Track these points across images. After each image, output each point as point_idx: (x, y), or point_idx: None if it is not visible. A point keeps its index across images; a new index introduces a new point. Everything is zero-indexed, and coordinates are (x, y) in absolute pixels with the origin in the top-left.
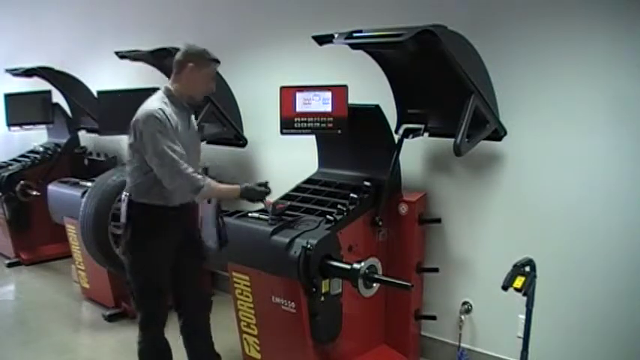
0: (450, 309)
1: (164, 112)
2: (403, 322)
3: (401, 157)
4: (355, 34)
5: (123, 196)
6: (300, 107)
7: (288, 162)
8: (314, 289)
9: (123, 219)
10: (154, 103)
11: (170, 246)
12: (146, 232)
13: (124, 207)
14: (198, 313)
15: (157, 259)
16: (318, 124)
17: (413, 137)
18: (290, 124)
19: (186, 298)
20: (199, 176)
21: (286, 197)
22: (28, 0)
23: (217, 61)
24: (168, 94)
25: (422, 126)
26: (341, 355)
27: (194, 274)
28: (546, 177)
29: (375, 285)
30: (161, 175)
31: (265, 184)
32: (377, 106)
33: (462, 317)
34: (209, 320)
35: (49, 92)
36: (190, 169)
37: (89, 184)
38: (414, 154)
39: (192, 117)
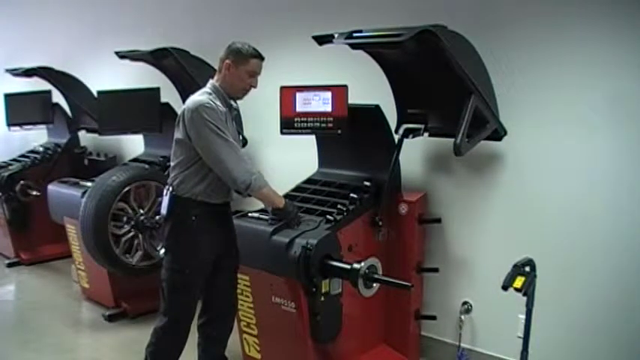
0: (450, 309)
1: (214, 103)
2: (403, 322)
3: (401, 157)
4: (355, 34)
5: (165, 190)
6: (300, 107)
7: (288, 162)
8: (314, 289)
9: (164, 212)
10: (203, 97)
11: (211, 247)
12: (187, 228)
13: (165, 200)
14: (225, 322)
15: (197, 257)
16: (318, 124)
17: (413, 137)
18: (290, 124)
19: (217, 304)
20: (253, 168)
21: (286, 197)
22: (29, 0)
23: (258, 57)
24: (214, 90)
25: (422, 126)
26: (341, 355)
27: (229, 278)
28: (546, 177)
29: (375, 285)
30: (215, 158)
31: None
32: (377, 106)
33: (462, 317)
34: (232, 329)
35: (49, 92)
36: (245, 156)
37: (89, 184)
38: (414, 154)
39: (235, 115)
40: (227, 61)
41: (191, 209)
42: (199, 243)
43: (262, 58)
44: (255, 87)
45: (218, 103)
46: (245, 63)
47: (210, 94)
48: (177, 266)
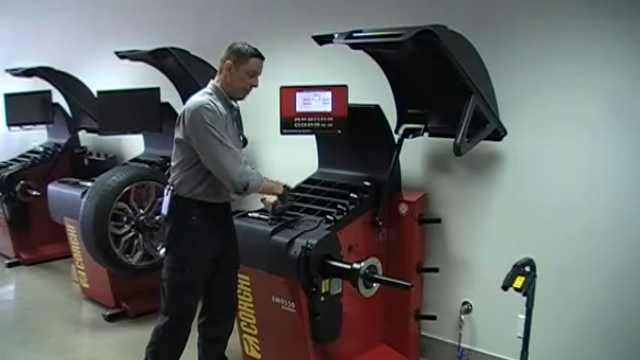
0: (450, 309)
1: (214, 105)
2: (403, 322)
3: (401, 157)
4: (355, 34)
5: (165, 189)
6: (300, 107)
7: (288, 162)
8: (314, 289)
9: (164, 212)
10: (203, 97)
11: (211, 246)
12: (188, 228)
13: (166, 200)
14: (225, 322)
15: (197, 257)
16: (318, 124)
17: (413, 137)
18: (290, 124)
19: (217, 303)
20: (247, 169)
21: None
22: (29, 0)
23: (258, 57)
24: (215, 91)
25: (422, 126)
26: (341, 355)
27: (230, 278)
28: (546, 177)
29: (375, 285)
30: (213, 161)
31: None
32: (377, 106)
33: (462, 317)
34: (232, 330)
35: (49, 92)
36: (240, 160)
37: (89, 184)
38: (414, 154)
39: (236, 116)
40: (228, 61)
41: (191, 209)
42: (199, 243)
43: (262, 58)
44: (256, 86)
45: (219, 104)
46: (245, 63)
47: (210, 94)
48: (177, 266)
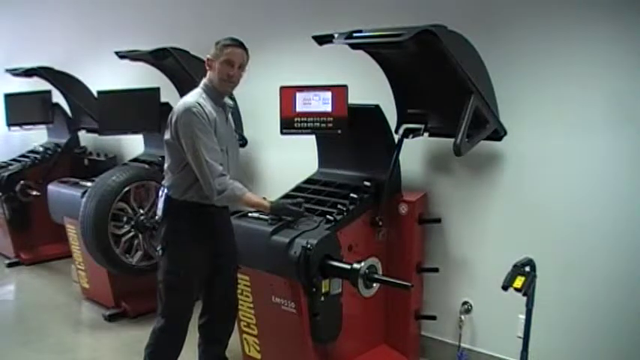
0: (450, 309)
1: (201, 107)
2: (403, 322)
3: (401, 157)
4: (355, 34)
5: (160, 191)
6: (300, 107)
7: (288, 162)
8: (314, 289)
9: (159, 213)
10: (191, 98)
11: (207, 248)
12: (182, 230)
13: (161, 202)
14: (226, 323)
15: (192, 258)
16: (318, 124)
17: (413, 137)
18: (290, 124)
19: (217, 304)
20: (224, 179)
21: (286, 197)
22: (28, 0)
23: (231, 45)
24: (205, 89)
25: (422, 126)
26: (341, 355)
27: (229, 279)
28: (546, 177)
29: (375, 285)
30: (195, 163)
31: (299, 204)
32: (377, 106)
33: (462, 317)
34: (232, 330)
35: (49, 92)
36: (219, 170)
37: (89, 184)
38: (414, 154)
39: (230, 114)
40: (208, 56)
41: (185, 211)
42: (194, 244)
43: (239, 46)
44: (232, 76)
45: (208, 103)
46: (220, 54)
47: (200, 93)
48: (172, 267)
